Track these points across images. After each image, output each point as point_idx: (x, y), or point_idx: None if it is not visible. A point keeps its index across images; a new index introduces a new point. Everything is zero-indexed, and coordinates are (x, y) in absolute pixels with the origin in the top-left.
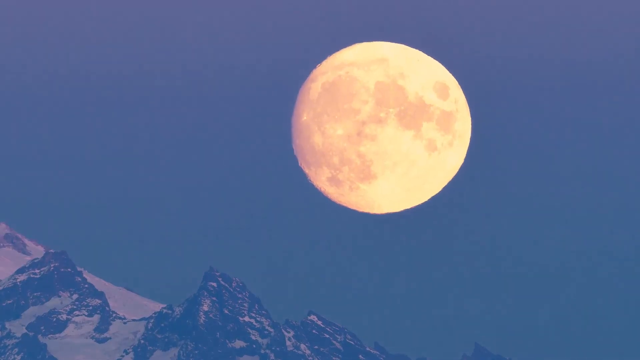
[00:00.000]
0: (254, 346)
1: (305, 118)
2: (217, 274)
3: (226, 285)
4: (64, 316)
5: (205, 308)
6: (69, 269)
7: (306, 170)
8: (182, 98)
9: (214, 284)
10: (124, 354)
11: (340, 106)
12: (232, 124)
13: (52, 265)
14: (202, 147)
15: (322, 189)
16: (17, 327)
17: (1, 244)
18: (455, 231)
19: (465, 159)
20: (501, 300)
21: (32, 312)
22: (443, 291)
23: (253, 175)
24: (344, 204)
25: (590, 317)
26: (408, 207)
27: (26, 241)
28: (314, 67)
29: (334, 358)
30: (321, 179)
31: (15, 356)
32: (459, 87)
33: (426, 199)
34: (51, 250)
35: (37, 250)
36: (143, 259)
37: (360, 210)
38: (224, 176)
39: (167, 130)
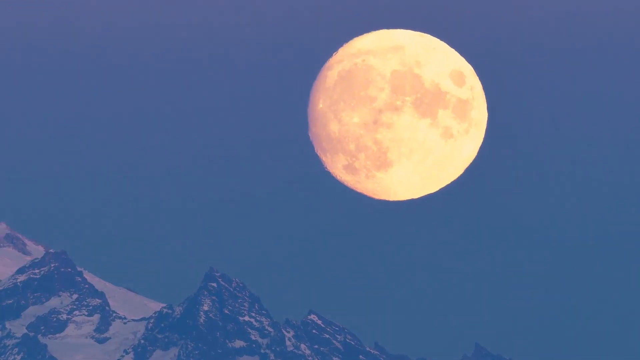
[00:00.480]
0: (254, 346)
1: (321, 106)
2: (217, 274)
3: (226, 285)
4: (64, 316)
5: (206, 308)
6: (69, 269)
7: (322, 158)
8: (189, 90)
9: (214, 284)
10: (124, 354)
11: (356, 94)
12: (245, 115)
13: (52, 265)
14: (204, 145)
15: (339, 177)
16: (17, 327)
17: (1, 244)
18: (468, 220)
19: (481, 147)
20: (501, 300)
21: (32, 312)
22: (443, 291)
23: (265, 165)
24: (360, 192)
25: (590, 317)
26: (424, 194)
27: (26, 241)
28: (330, 55)
29: (334, 358)
30: (337, 167)
31: (16, 356)
32: (475, 74)
33: (442, 187)
34: (51, 250)
35: (37, 250)
36: (143, 259)
37: (377, 197)
38: (226, 173)
39: (168, 130)
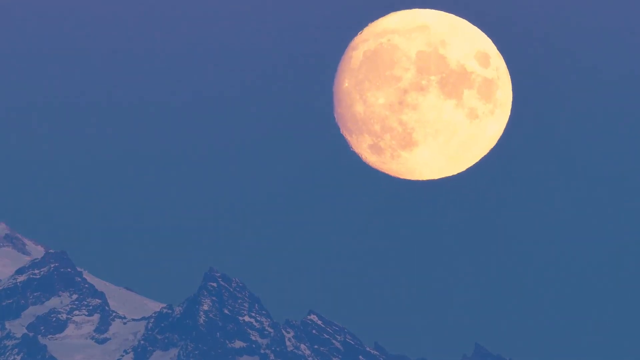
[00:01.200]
0: (254, 346)
1: (346, 85)
2: (217, 274)
3: (226, 285)
4: (64, 316)
5: (205, 308)
6: (69, 269)
7: (348, 138)
8: (199, 81)
9: (214, 284)
10: (124, 354)
11: (381, 74)
12: (267, 100)
13: (52, 265)
14: (205, 145)
15: (364, 157)
16: (17, 327)
17: (1, 244)
18: (490, 202)
19: (506, 128)
20: (501, 300)
21: (32, 312)
22: (443, 291)
23: (288, 148)
24: (386, 172)
25: (590, 317)
26: (449, 174)
27: (26, 241)
28: (355, 34)
29: (333, 358)
30: (362, 147)
31: (15, 356)
32: (500, 55)
33: (467, 167)
34: (51, 250)
35: (37, 250)
36: (143, 259)
37: (402, 177)
38: (230, 170)
39: (168, 130)
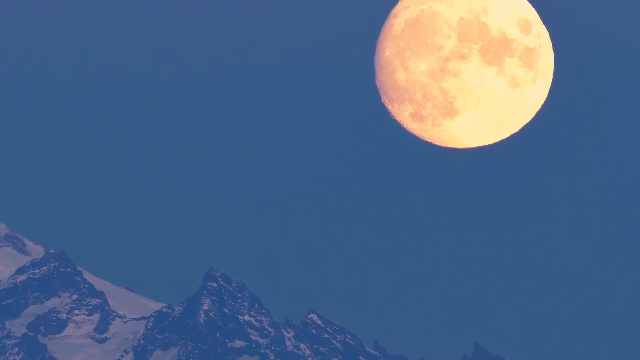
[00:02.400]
0: (254, 346)
1: (387, 54)
2: (217, 274)
3: (226, 285)
4: (64, 315)
5: (205, 307)
6: (69, 269)
7: (389, 107)
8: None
9: (214, 284)
10: (124, 354)
11: (422, 42)
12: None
13: (52, 265)
14: (205, 144)
15: (405, 125)
16: (17, 327)
17: (1, 244)
18: (530, 171)
19: (548, 96)
20: (501, 300)
21: (32, 312)
22: (443, 291)
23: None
24: (427, 140)
25: (590, 317)
26: (490, 142)
27: (26, 241)
28: (397, 2)
29: (333, 358)
30: (404, 115)
31: (15, 356)
32: (542, 22)
33: (508, 135)
34: (51, 251)
35: (37, 250)
36: (143, 258)
37: (443, 145)
38: (230, 170)
39: (168, 129)
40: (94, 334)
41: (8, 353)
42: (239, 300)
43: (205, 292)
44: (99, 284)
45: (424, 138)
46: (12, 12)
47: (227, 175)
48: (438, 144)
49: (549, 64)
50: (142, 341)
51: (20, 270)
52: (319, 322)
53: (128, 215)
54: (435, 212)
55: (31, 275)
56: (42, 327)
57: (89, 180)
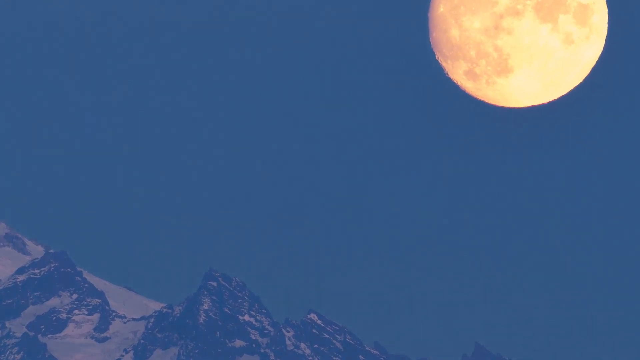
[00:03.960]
0: (254, 345)
1: (442, 10)
2: (217, 273)
3: (226, 284)
4: (64, 315)
5: (205, 307)
6: (69, 269)
7: (443, 64)
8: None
9: (214, 283)
10: (124, 353)
11: None
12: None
13: (52, 265)
14: (206, 143)
15: (459, 83)
16: (17, 327)
17: (1, 244)
18: (584, 130)
19: (602, 54)
20: (501, 300)
21: (32, 312)
22: (443, 291)
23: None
24: (481, 98)
25: (590, 317)
26: (544, 101)
27: (26, 241)
28: None
29: (334, 358)
30: (458, 73)
31: (15, 355)
32: None
33: (562, 94)
34: (51, 250)
35: (37, 250)
36: (143, 258)
37: (497, 104)
38: (230, 169)
39: (168, 129)
40: (94, 334)
41: (8, 353)
42: (239, 300)
43: (205, 292)
44: (99, 283)
45: (477, 97)
46: (11, 13)
47: (227, 175)
48: (492, 103)
49: (603, 21)
50: (142, 341)
51: (20, 270)
52: (319, 322)
53: (128, 215)
54: (475, 174)
55: (31, 275)
56: (42, 327)
57: (89, 180)
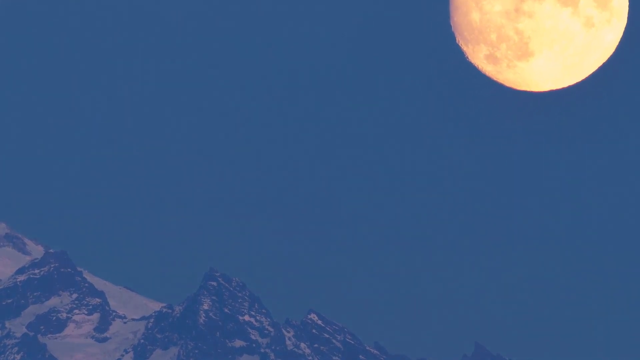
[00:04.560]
0: (254, 345)
1: None
2: (217, 273)
3: (226, 284)
4: (64, 315)
5: (206, 307)
6: (69, 269)
7: (464, 48)
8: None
9: (214, 283)
10: (124, 353)
11: None
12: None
13: (52, 265)
14: (205, 143)
15: (480, 67)
16: (17, 327)
17: (1, 244)
18: (605, 114)
19: (622, 38)
20: (501, 300)
21: (32, 312)
22: (443, 291)
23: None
24: (502, 82)
25: (590, 317)
26: (565, 85)
27: (26, 241)
28: None
29: (334, 358)
30: (479, 57)
31: (15, 355)
32: None
33: (583, 77)
34: (51, 250)
35: (37, 250)
36: (143, 258)
37: (518, 88)
38: (229, 169)
39: (168, 128)
40: (94, 334)
41: (8, 353)
42: (239, 300)
43: (205, 292)
44: (99, 283)
45: (498, 80)
46: (12, 13)
47: (227, 175)
48: (512, 86)
49: (624, 4)
50: (142, 341)
51: (20, 270)
52: (319, 322)
53: (128, 215)
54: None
55: (31, 275)
56: (42, 327)
57: (89, 180)
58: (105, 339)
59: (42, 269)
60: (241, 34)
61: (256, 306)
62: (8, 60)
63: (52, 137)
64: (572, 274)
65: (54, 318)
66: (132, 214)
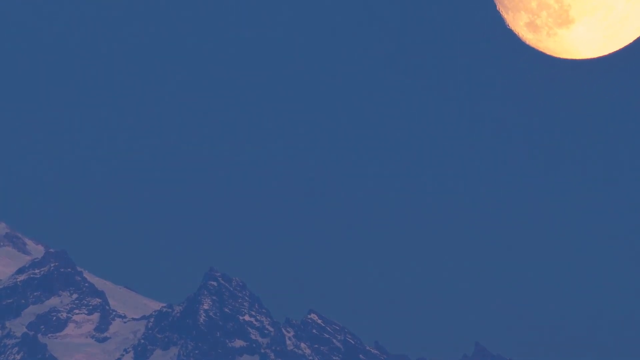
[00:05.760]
0: (254, 345)
1: None
2: (217, 273)
3: (226, 284)
4: (64, 315)
5: (206, 307)
6: (69, 269)
7: (504, 15)
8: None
9: (214, 283)
10: (124, 353)
11: None
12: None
13: (52, 264)
14: (205, 143)
15: (520, 35)
16: (17, 327)
17: (1, 244)
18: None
19: None
20: (501, 300)
21: (32, 311)
22: (444, 291)
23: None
24: (542, 50)
25: (590, 317)
26: (606, 53)
27: (26, 241)
28: None
29: (334, 357)
30: (519, 24)
31: (15, 355)
32: None
33: (624, 45)
34: (51, 250)
35: (37, 250)
36: (143, 258)
37: (558, 56)
38: (230, 169)
39: (168, 129)
40: (94, 334)
41: (8, 352)
42: (239, 300)
43: (206, 292)
44: (99, 283)
45: (538, 48)
46: (12, 12)
47: (228, 175)
48: (553, 54)
49: None
50: (142, 341)
51: (20, 270)
52: (319, 321)
53: (128, 215)
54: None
55: (31, 275)
56: (42, 327)
57: (89, 180)
58: (105, 339)
59: (42, 268)
60: (241, 34)
61: (256, 306)
62: (8, 60)
63: (52, 137)
64: (572, 274)
65: (54, 318)
66: (132, 214)
